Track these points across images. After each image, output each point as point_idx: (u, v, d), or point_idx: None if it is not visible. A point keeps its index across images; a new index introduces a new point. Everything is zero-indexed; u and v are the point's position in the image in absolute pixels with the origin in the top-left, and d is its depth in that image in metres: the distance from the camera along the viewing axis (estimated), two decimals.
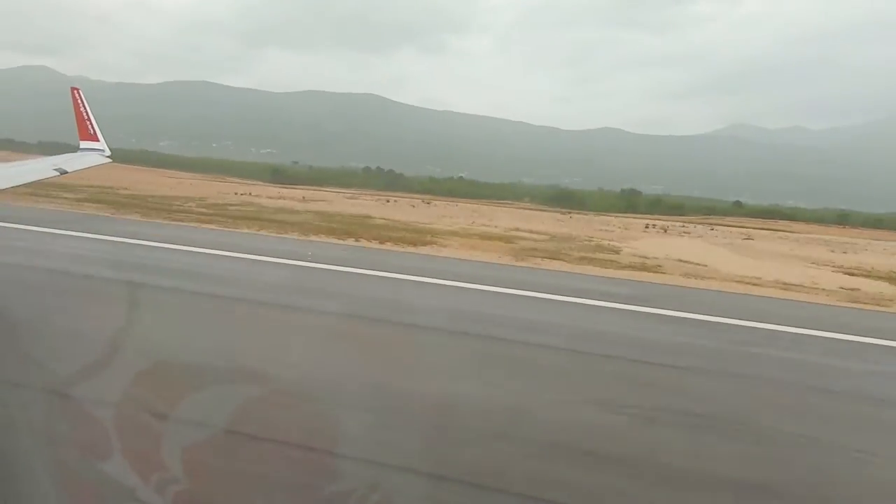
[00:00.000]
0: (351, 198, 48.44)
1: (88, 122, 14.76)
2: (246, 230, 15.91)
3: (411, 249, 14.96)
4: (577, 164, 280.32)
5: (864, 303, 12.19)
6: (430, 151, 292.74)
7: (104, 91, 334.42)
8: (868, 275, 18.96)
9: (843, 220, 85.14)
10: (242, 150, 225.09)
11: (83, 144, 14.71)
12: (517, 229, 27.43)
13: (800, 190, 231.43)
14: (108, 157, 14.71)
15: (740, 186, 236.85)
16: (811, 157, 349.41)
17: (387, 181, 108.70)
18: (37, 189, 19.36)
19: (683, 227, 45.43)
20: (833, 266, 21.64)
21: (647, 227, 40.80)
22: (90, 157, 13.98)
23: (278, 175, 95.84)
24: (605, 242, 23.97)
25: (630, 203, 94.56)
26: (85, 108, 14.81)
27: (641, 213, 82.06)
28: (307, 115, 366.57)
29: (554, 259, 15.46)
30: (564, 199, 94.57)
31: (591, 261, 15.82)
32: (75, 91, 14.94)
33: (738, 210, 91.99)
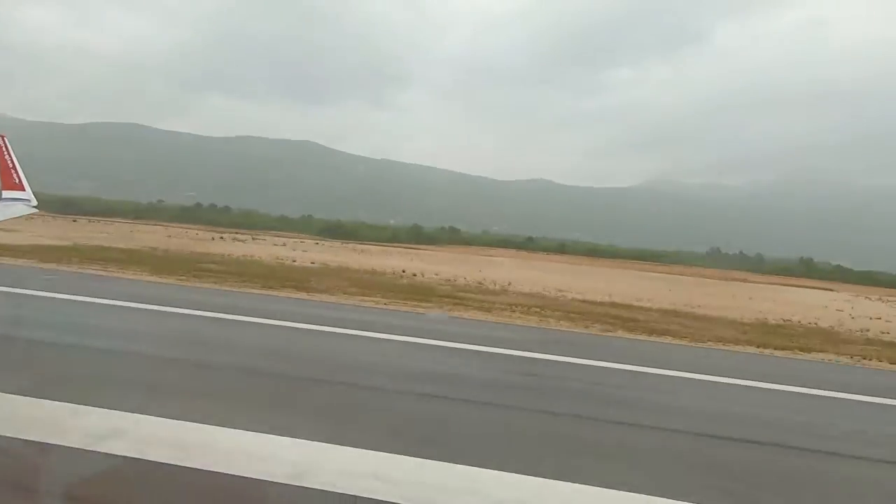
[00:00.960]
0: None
1: (13, 171, 14.20)
2: None
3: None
4: (507, 213, 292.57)
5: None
6: (366, 198, 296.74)
7: (23, 129, 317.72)
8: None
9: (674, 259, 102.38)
10: (166, 192, 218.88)
11: (6, 194, 14.14)
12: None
13: (697, 237, 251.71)
14: (34, 206, 14.33)
15: (653, 234, 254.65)
16: (725, 210, 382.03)
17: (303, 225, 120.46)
18: None
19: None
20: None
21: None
22: (15, 208, 13.71)
23: (190, 215, 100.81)
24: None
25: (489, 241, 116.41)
26: (10, 156, 14.32)
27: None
28: (241, 160, 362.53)
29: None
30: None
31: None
32: (1, 138, 14.36)
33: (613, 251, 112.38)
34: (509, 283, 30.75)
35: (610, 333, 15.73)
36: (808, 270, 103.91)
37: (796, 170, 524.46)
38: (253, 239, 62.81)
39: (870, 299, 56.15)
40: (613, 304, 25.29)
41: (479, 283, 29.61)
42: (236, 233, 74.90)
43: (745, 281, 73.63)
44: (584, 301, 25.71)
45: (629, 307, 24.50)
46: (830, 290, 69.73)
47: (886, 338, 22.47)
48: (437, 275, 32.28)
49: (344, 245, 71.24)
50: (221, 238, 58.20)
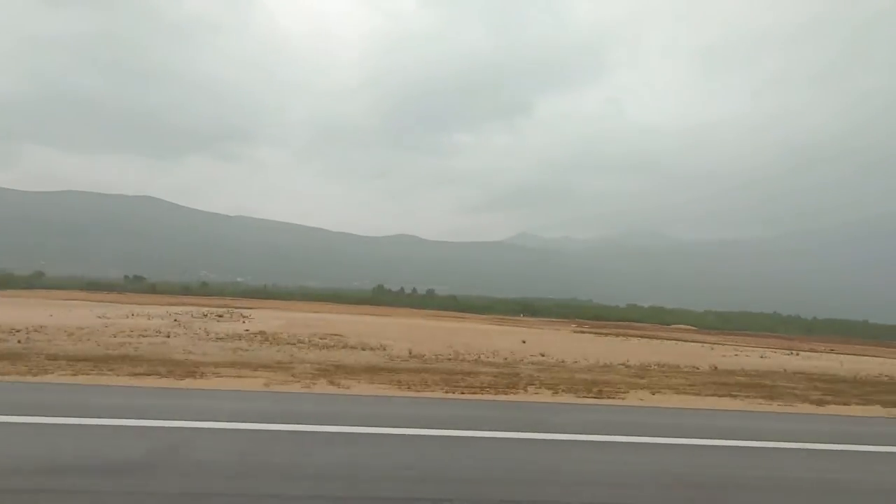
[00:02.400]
0: None
1: None
2: None
3: None
4: (367, 268, 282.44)
5: None
6: (211, 256, 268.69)
7: None
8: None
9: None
10: None
11: None
12: None
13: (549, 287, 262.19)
14: None
15: (512, 285, 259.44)
16: (576, 261, 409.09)
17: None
18: None
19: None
20: None
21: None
22: None
23: None
24: None
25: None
26: None
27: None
28: (62, 216, 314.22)
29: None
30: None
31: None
32: None
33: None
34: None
35: None
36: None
37: (634, 225, 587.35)
38: None
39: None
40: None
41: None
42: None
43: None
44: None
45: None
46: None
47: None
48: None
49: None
50: None
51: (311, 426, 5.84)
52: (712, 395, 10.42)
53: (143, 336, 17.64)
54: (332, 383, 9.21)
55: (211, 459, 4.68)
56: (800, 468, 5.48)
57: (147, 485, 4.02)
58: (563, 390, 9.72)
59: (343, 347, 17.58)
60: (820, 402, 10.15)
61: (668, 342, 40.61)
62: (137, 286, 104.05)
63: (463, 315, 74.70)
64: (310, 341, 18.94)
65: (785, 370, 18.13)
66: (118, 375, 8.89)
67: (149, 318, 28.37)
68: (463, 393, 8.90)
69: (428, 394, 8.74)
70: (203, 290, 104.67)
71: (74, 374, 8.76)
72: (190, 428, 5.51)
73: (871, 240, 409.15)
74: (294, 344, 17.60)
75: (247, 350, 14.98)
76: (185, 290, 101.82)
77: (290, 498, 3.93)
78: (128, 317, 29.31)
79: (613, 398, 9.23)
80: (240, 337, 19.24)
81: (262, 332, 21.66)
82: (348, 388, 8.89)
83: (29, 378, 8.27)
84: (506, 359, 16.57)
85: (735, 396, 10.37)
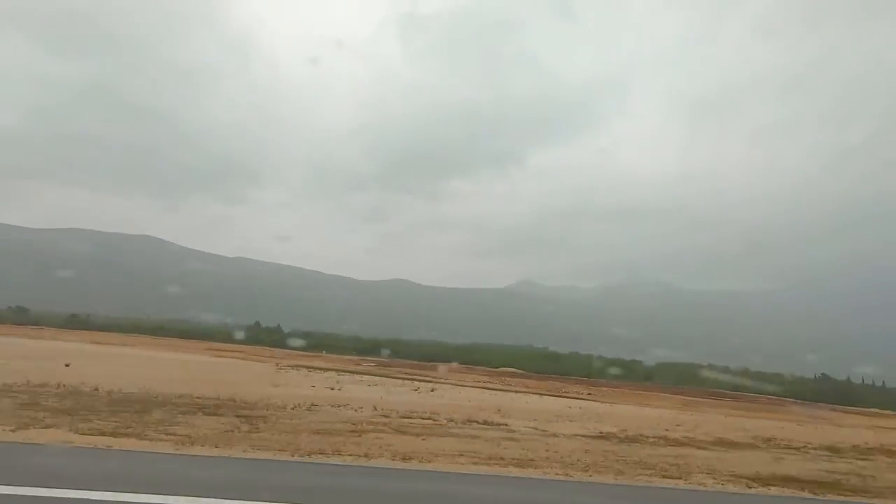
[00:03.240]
0: None
1: None
2: None
3: None
4: (362, 313, 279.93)
5: None
6: (204, 296, 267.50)
7: None
8: None
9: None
10: None
11: None
12: None
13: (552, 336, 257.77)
14: None
15: (511, 332, 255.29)
16: (580, 309, 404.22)
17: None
18: None
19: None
20: None
21: None
22: None
23: None
24: None
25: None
26: None
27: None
28: (64, 253, 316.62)
29: None
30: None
31: None
32: None
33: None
34: None
35: None
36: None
37: (635, 274, 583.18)
38: None
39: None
40: None
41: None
42: None
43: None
44: None
45: None
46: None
47: None
48: None
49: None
50: None
51: None
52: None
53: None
54: None
55: None
56: None
57: None
58: None
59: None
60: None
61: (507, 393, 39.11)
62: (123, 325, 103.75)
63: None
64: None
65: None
66: None
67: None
68: None
69: None
70: (192, 333, 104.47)
71: None
72: None
73: (872, 291, 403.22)
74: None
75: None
76: (185, 334, 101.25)
77: None
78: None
79: None
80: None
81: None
82: None
83: None
84: None
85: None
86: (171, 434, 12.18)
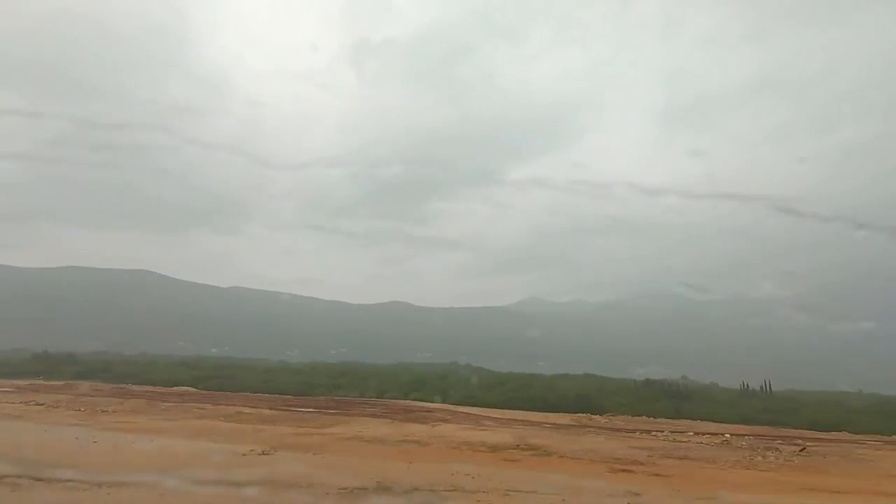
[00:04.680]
0: None
1: None
2: None
3: None
4: (355, 335, 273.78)
5: None
6: (193, 327, 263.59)
7: None
8: None
9: None
10: None
11: None
12: None
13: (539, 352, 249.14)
14: None
15: (512, 351, 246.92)
16: (584, 326, 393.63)
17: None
18: None
19: None
20: None
21: None
22: None
23: None
24: None
25: None
26: None
27: None
28: (60, 291, 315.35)
29: None
30: None
31: None
32: None
33: None
34: None
35: None
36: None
37: (643, 286, 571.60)
38: None
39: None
40: None
41: None
42: None
43: None
44: None
45: None
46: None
47: None
48: None
49: None
50: None
51: None
52: None
53: None
54: None
55: None
56: None
57: None
58: None
59: None
60: None
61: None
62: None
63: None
64: None
65: None
66: None
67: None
68: None
69: None
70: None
71: None
72: None
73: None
74: None
75: None
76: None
77: None
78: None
79: None
80: None
81: None
82: None
83: None
84: None
85: None
86: None
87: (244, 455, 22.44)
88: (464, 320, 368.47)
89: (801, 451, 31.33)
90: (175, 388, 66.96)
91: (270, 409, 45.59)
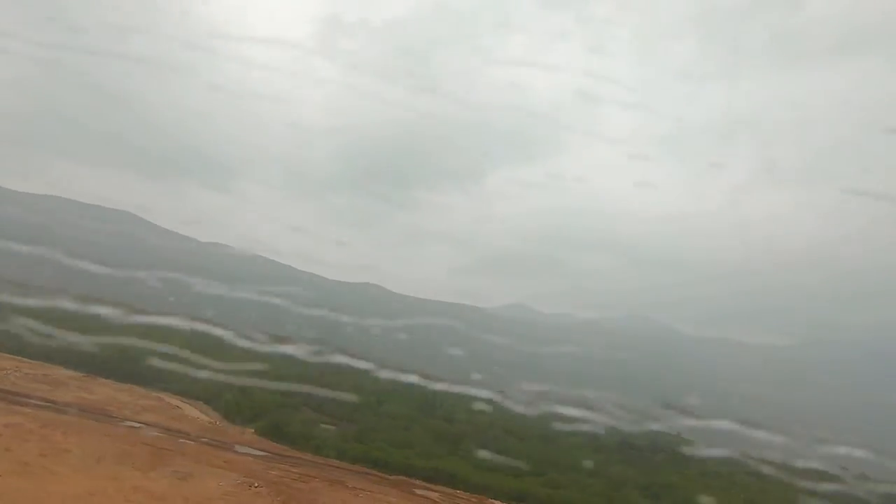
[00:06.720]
0: None
1: None
2: None
3: None
4: (316, 315, 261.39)
5: None
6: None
7: None
8: None
9: None
10: None
11: None
12: None
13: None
14: None
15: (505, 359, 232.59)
16: (576, 338, 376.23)
17: None
18: None
19: None
20: None
21: None
22: None
23: None
24: None
25: None
26: None
27: None
28: (35, 219, 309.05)
29: None
30: None
31: None
32: None
33: None
34: None
35: None
36: None
37: (634, 310, 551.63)
38: None
39: None
40: None
41: None
42: None
43: None
44: None
45: None
46: None
47: None
48: None
49: None
50: None
51: None
52: None
53: None
54: None
55: None
56: None
57: None
58: None
59: None
60: None
61: None
62: None
63: None
64: None
65: None
66: None
67: None
68: None
69: None
70: None
71: None
72: None
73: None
74: None
75: None
76: None
77: None
78: None
79: None
80: None
81: None
82: None
83: None
84: None
85: None
86: None
87: None
88: (442, 316, 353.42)
89: None
90: None
91: None
